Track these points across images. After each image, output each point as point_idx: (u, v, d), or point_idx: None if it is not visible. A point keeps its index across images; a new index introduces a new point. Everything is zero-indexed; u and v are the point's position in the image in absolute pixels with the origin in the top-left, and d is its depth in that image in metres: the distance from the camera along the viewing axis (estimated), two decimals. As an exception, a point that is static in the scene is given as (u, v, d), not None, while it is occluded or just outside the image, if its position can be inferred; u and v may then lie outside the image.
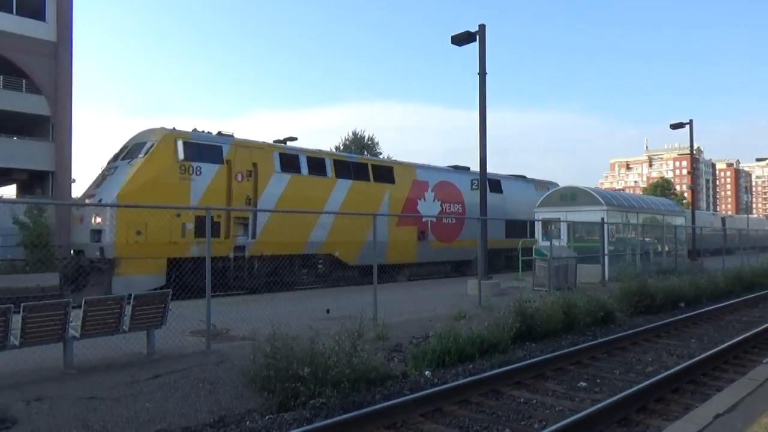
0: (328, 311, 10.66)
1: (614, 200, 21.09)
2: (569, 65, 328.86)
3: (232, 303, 11.24)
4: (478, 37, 15.21)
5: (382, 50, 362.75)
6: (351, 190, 18.35)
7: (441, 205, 21.39)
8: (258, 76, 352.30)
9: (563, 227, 19.66)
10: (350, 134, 45.36)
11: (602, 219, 18.38)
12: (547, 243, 16.45)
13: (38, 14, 25.87)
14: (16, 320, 5.92)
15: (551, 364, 7.94)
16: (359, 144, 44.25)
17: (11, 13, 25.18)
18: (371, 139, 45.41)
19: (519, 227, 22.90)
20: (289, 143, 19.30)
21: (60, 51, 26.09)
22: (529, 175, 27.42)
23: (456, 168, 23.60)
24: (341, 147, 44.12)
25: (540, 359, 7.98)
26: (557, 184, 25.93)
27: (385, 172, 19.90)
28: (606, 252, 18.12)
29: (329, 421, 5.31)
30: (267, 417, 5.74)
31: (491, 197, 19.60)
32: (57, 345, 6.48)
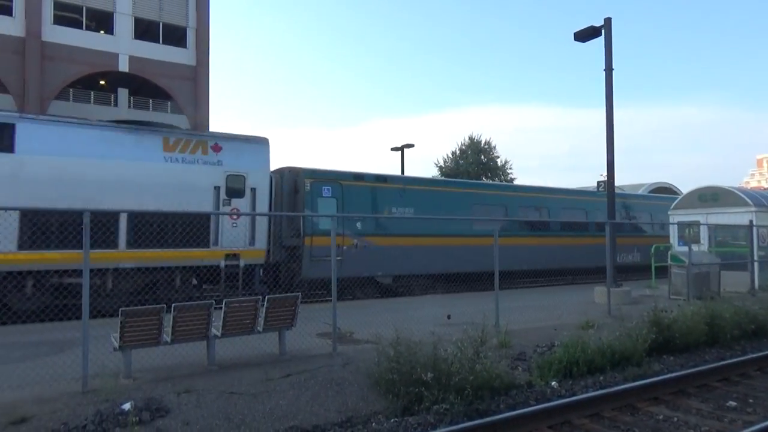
0: (449, 317, 10.64)
1: (764, 200, 18.96)
2: (705, 54, 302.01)
3: (355, 306, 11.58)
4: (603, 31, 14.51)
5: (499, 53, 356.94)
6: None
7: None
8: (374, 84, 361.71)
9: (703, 231, 18.05)
10: (466, 139, 44.45)
11: (750, 221, 16.65)
12: (685, 248, 15.18)
13: (181, 41, 28.65)
14: (168, 320, 6.56)
15: (694, 379, 7.31)
16: (476, 148, 43.16)
17: (158, 42, 28.14)
18: (488, 143, 44.06)
19: (109, 227, 11.68)
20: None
21: (199, 73, 28.67)
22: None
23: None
24: (457, 152, 43.48)
25: (681, 374, 7.37)
26: (266, 140, 14.38)
27: None
28: (756, 258, 16.39)
29: (454, 427, 5.29)
30: (392, 420, 5.84)
31: None
32: (201, 343, 7.07)
